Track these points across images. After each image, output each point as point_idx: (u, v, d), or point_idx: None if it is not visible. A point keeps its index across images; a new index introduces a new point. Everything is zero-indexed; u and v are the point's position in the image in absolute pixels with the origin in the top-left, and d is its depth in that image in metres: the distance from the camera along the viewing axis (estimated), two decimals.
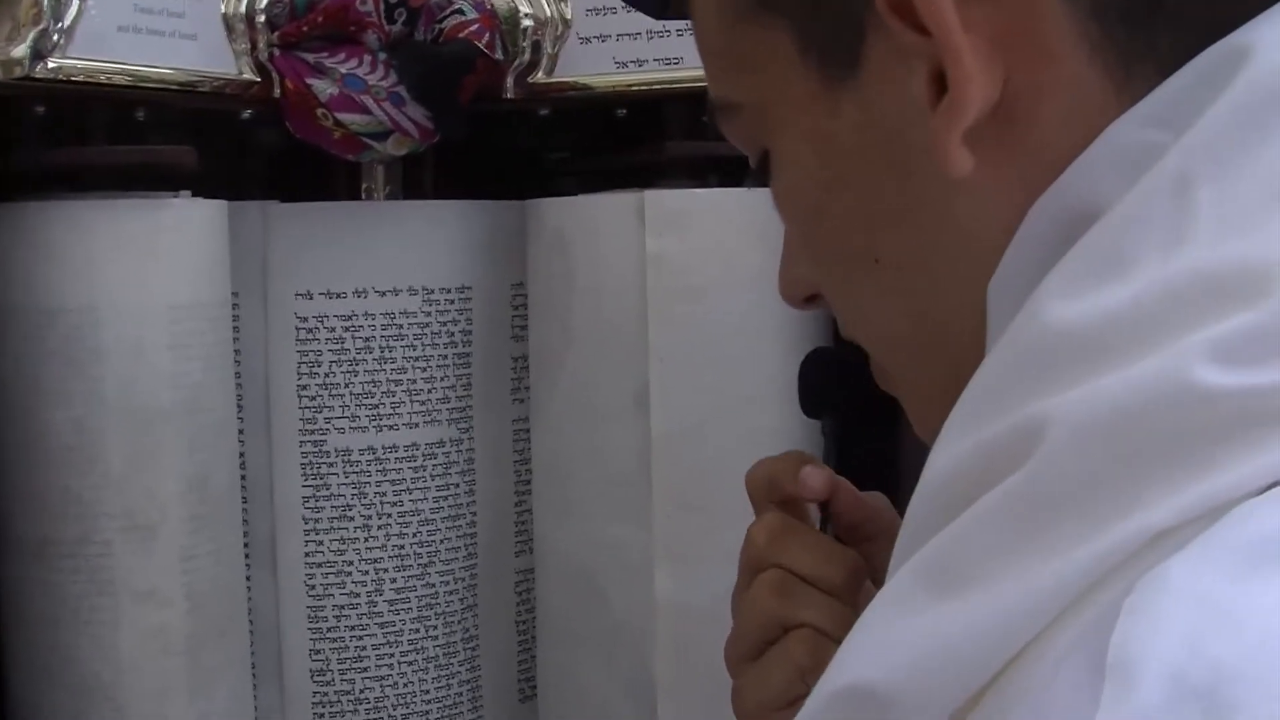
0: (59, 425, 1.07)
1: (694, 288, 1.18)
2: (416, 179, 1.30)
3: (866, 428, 0.78)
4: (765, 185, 0.63)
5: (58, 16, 1.03)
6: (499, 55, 1.21)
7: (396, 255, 1.25)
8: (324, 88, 1.16)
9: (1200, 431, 0.42)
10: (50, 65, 1.03)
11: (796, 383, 0.82)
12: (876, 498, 0.81)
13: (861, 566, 0.76)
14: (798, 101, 0.57)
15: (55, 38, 1.03)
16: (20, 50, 1.02)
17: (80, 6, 1.04)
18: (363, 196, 1.28)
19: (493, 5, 1.22)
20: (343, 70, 1.17)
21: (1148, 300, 0.45)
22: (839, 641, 0.71)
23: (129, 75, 1.09)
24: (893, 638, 0.46)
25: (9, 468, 1.08)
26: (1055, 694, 0.39)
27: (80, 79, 1.05)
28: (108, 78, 1.07)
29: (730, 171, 1.21)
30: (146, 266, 1.09)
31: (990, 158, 0.51)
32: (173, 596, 1.10)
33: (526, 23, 1.23)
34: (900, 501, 0.95)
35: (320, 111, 1.16)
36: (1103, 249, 0.47)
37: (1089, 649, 0.39)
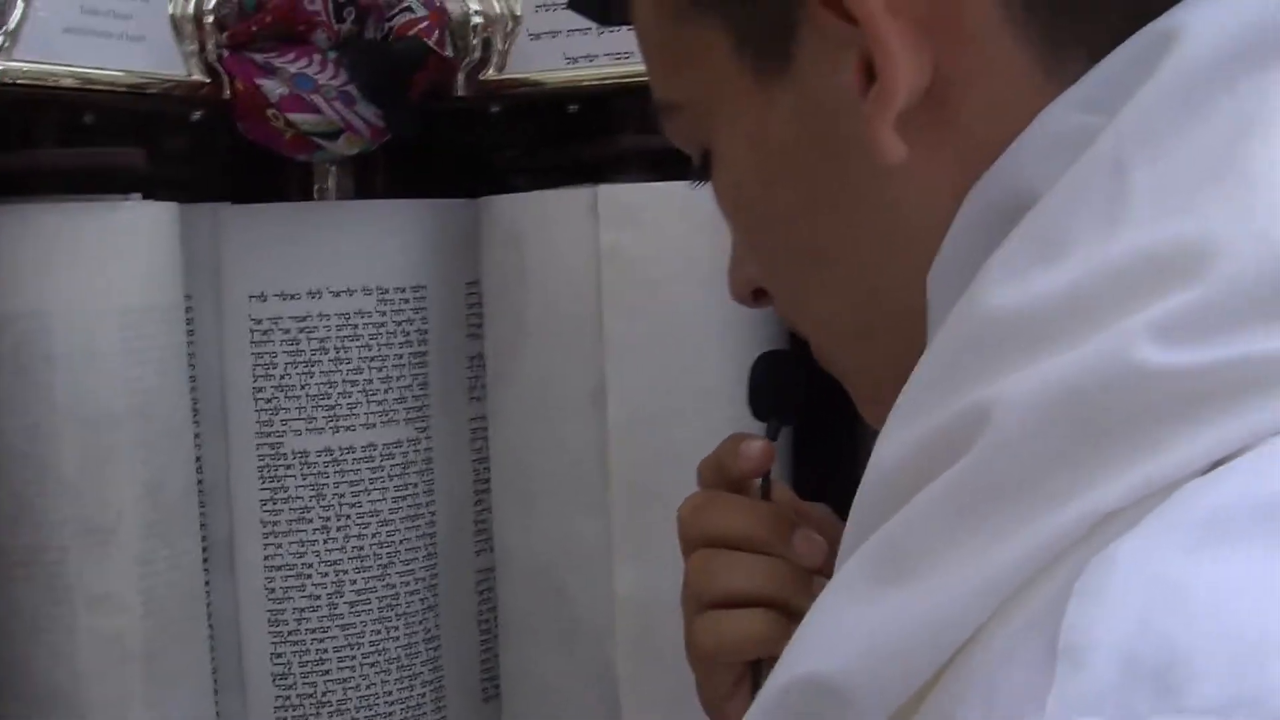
0: (10, 432, 1.06)
1: (649, 281, 1.18)
2: (369, 179, 1.29)
3: (820, 431, 0.78)
4: (708, 182, 0.64)
5: (1, 19, 1.02)
6: (449, 52, 1.21)
7: (350, 255, 1.25)
8: (274, 88, 1.15)
9: (1144, 411, 0.42)
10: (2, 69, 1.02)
11: (754, 375, 0.82)
12: (818, 507, 0.81)
13: (785, 517, 0.76)
14: (734, 98, 0.57)
15: (0, 40, 1.02)
16: None
17: (25, 9, 1.03)
18: (315, 197, 1.28)
19: (442, 2, 1.21)
20: (292, 70, 1.16)
21: (1087, 282, 0.45)
22: (769, 597, 0.72)
23: (76, 77, 1.08)
24: (844, 628, 0.46)
25: None
26: (1008, 677, 0.39)
27: (26, 82, 1.04)
28: (55, 80, 1.06)
29: (683, 165, 1.21)
30: (97, 270, 1.08)
31: (923, 144, 0.51)
32: (129, 602, 1.10)
33: (476, 19, 1.23)
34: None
35: (271, 112, 1.15)
36: (1040, 233, 0.48)
37: (1041, 632, 0.39)
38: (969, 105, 0.52)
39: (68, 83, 1.07)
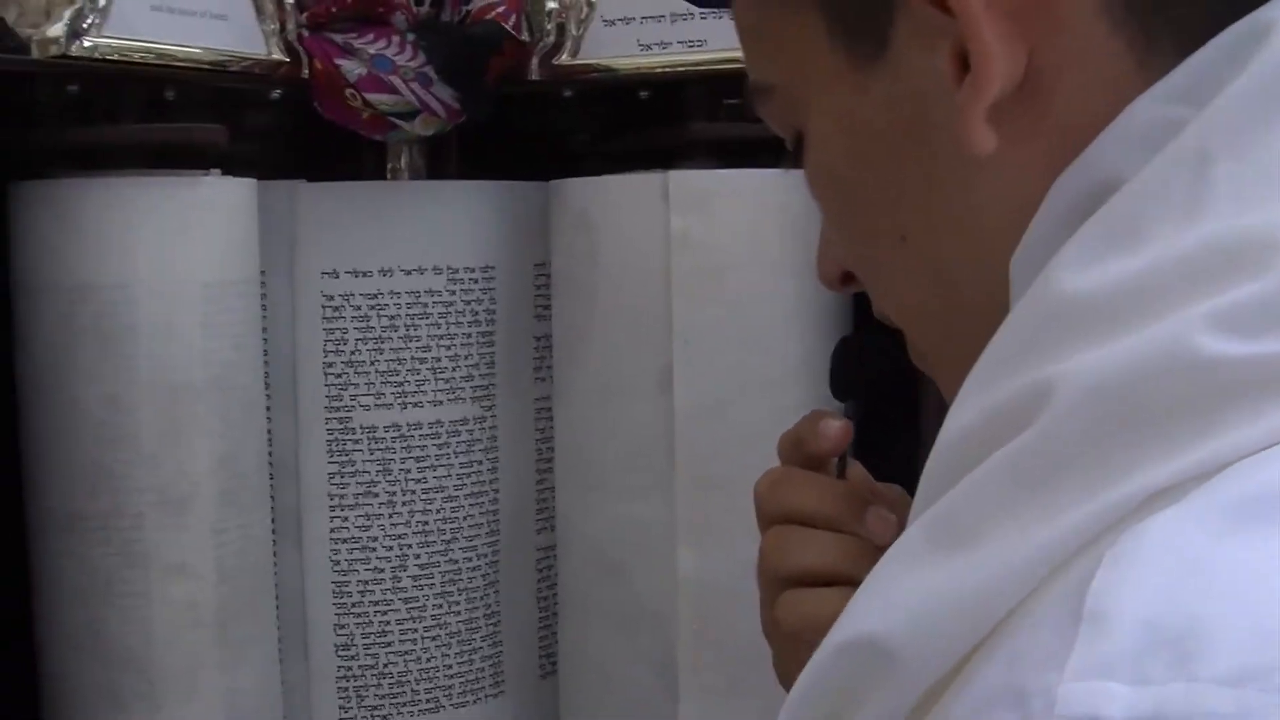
0: (91, 401, 1.08)
1: (718, 267, 1.19)
2: (442, 159, 1.31)
3: (891, 413, 0.79)
4: (800, 167, 0.64)
5: None
6: (525, 37, 1.22)
7: (422, 235, 1.27)
8: (353, 68, 1.17)
9: (1200, 397, 0.43)
10: (85, 44, 1.04)
11: (828, 365, 0.83)
12: (892, 489, 0.82)
13: (859, 495, 0.77)
14: (828, 81, 0.58)
15: (91, 17, 1.04)
16: (57, 29, 1.04)
17: None
18: (389, 176, 1.29)
19: None
20: (371, 51, 1.18)
21: (1157, 270, 0.46)
22: (844, 575, 0.72)
23: (161, 55, 1.10)
24: (897, 592, 0.47)
25: (41, 442, 1.10)
26: (1035, 638, 0.41)
27: (114, 58, 1.07)
28: (141, 57, 1.09)
29: (752, 153, 1.22)
30: (179, 244, 1.10)
31: (1013, 135, 0.52)
32: (203, 570, 1.12)
33: (551, 4, 1.25)
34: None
35: (349, 92, 1.17)
36: (1118, 221, 0.49)
37: (1071, 597, 0.40)
38: (1060, 96, 0.52)
39: (152, 59, 1.10)
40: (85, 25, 1.04)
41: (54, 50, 1.03)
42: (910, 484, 0.78)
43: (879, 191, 0.58)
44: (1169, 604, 0.38)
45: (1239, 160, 0.47)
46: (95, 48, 1.05)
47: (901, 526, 0.70)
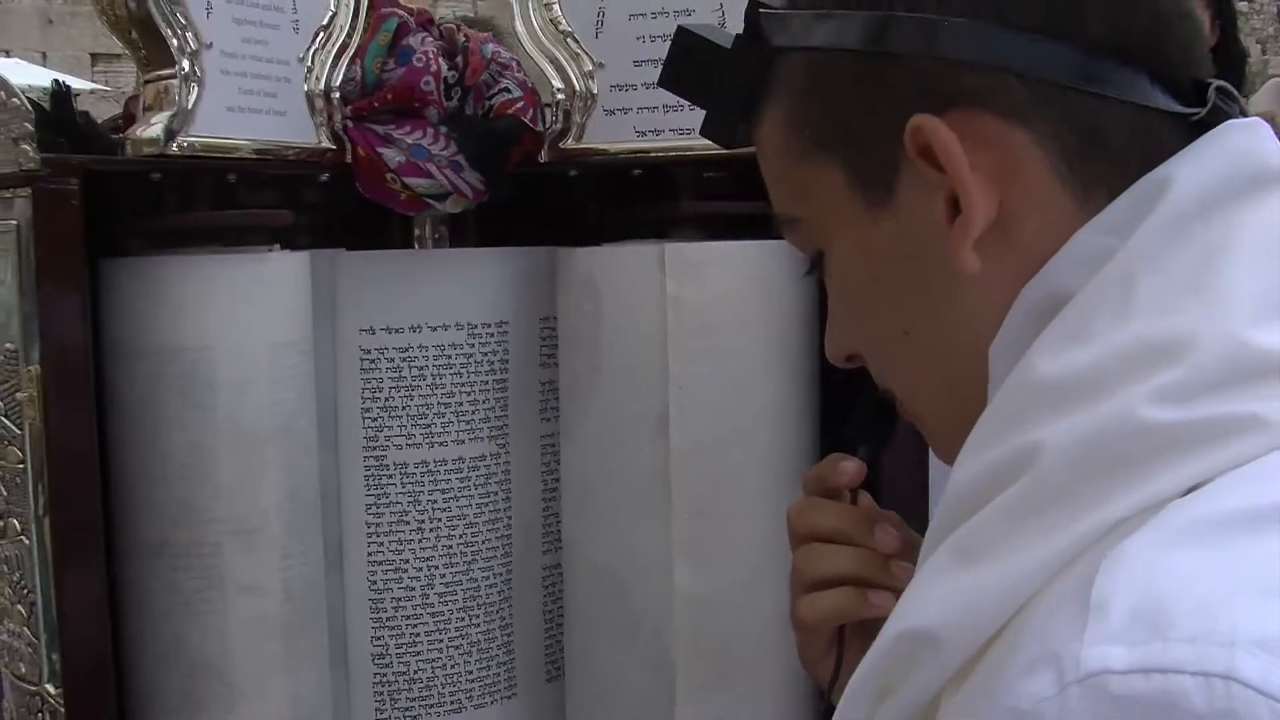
0: (177, 446, 1.26)
1: (708, 325, 1.38)
2: (461, 228, 1.50)
3: (899, 453, 0.99)
4: (820, 277, 0.84)
5: (184, 100, 1.22)
6: (541, 128, 1.41)
7: (445, 295, 1.45)
8: (393, 156, 1.36)
9: (1146, 452, 0.64)
10: (179, 143, 1.22)
11: (848, 416, 1.02)
12: (891, 514, 1.01)
13: (868, 516, 0.97)
14: (846, 219, 0.79)
15: (181, 119, 1.22)
16: (154, 130, 1.21)
17: (200, 91, 1.23)
18: (416, 245, 1.48)
19: (533, 84, 1.42)
20: (409, 141, 1.36)
21: (1104, 360, 0.67)
22: (855, 577, 0.91)
23: (236, 148, 1.28)
24: (936, 595, 0.67)
25: (134, 481, 1.27)
26: (1056, 622, 0.60)
27: (199, 153, 1.24)
28: (221, 150, 1.26)
29: (734, 226, 1.42)
30: (249, 310, 1.28)
31: (990, 258, 0.73)
32: (272, 590, 1.30)
33: (560, 96, 1.43)
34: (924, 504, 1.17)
35: (390, 176, 1.36)
36: (1072, 323, 0.70)
37: (1078, 595, 0.60)
38: (1024, 230, 0.73)
39: (231, 151, 1.27)
40: (179, 126, 1.22)
41: (151, 150, 1.21)
42: (906, 508, 0.99)
43: (888, 300, 0.79)
44: (1143, 596, 0.58)
45: (1154, 278, 0.68)
46: (185, 147, 1.23)
47: (902, 542, 0.91)
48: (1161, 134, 0.73)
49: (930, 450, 0.86)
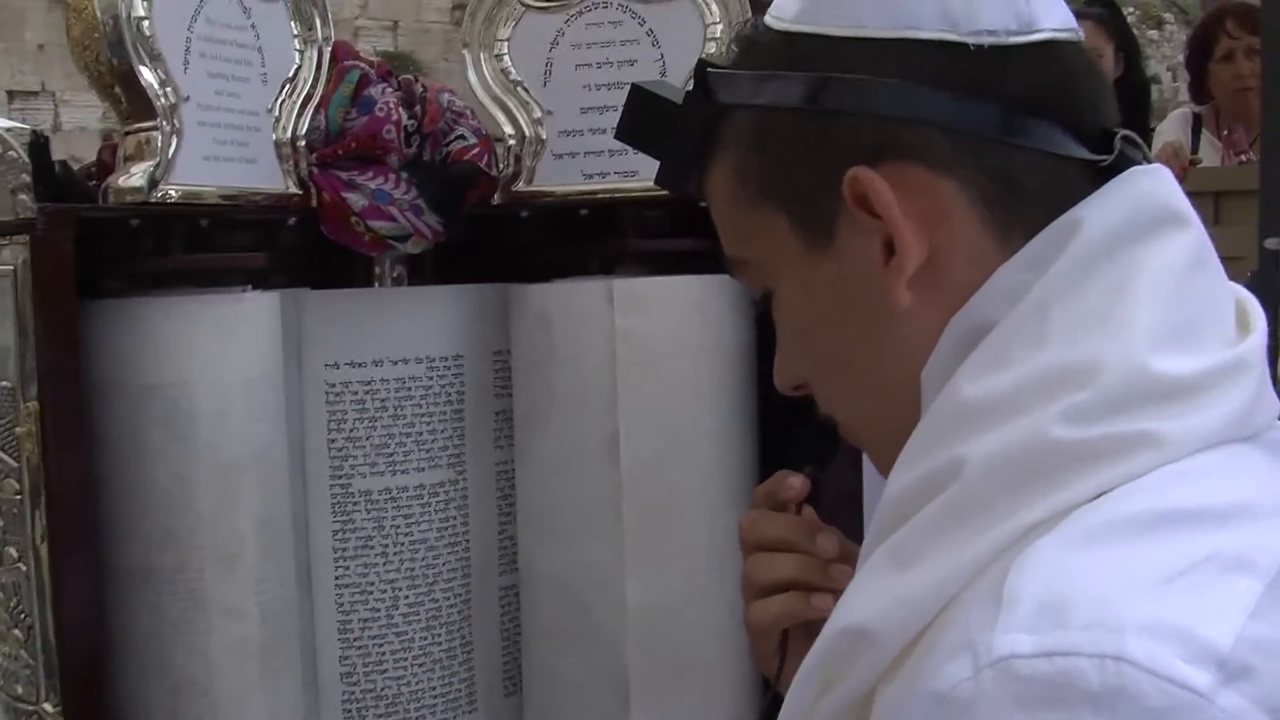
0: (159, 476, 1.34)
1: (654, 355, 1.48)
2: (419, 266, 1.58)
3: (838, 471, 1.08)
4: (767, 312, 0.93)
5: (165, 151, 1.30)
6: (495, 173, 1.50)
7: (405, 331, 1.54)
8: (357, 200, 1.45)
9: (1056, 465, 0.73)
10: (159, 191, 1.30)
11: (794, 439, 1.12)
12: (832, 529, 1.11)
13: (811, 524, 1.06)
14: (790, 260, 0.87)
15: (162, 169, 1.30)
16: (137, 180, 1.29)
17: (179, 142, 1.31)
18: (376, 283, 1.56)
19: (487, 131, 1.51)
20: (372, 186, 1.45)
21: (1020, 383, 0.77)
22: (800, 581, 1.00)
23: (213, 194, 1.36)
24: (872, 595, 0.77)
25: (119, 511, 1.34)
26: (972, 616, 0.69)
27: (176, 200, 1.32)
28: (195, 197, 1.34)
29: (675, 262, 1.52)
30: (226, 348, 1.36)
31: (921, 294, 0.83)
32: (250, 612, 1.38)
33: (511, 142, 1.53)
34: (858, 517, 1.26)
35: (354, 219, 1.45)
36: (993, 351, 0.79)
37: (992, 592, 0.69)
38: (951, 269, 0.82)
39: (206, 198, 1.36)
40: (159, 175, 1.30)
41: (135, 198, 1.29)
42: (844, 520, 1.08)
43: (830, 334, 0.89)
44: (1048, 590, 0.67)
45: (1065, 309, 0.78)
46: (166, 194, 1.31)
47: (840, 547, 1.01)
48: (1073, 179, 0.82)
49: (864, 467, 0.96)
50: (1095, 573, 0.68)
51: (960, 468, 0.75)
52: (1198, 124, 4.10)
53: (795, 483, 1.06)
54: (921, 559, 0.75)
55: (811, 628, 1.00)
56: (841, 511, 1.11)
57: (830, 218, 0.84)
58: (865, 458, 1.01)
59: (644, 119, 0.95)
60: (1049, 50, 0.83)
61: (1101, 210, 0.80)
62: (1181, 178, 3.54)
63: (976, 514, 0.74)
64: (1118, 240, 0.79)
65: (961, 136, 0.81)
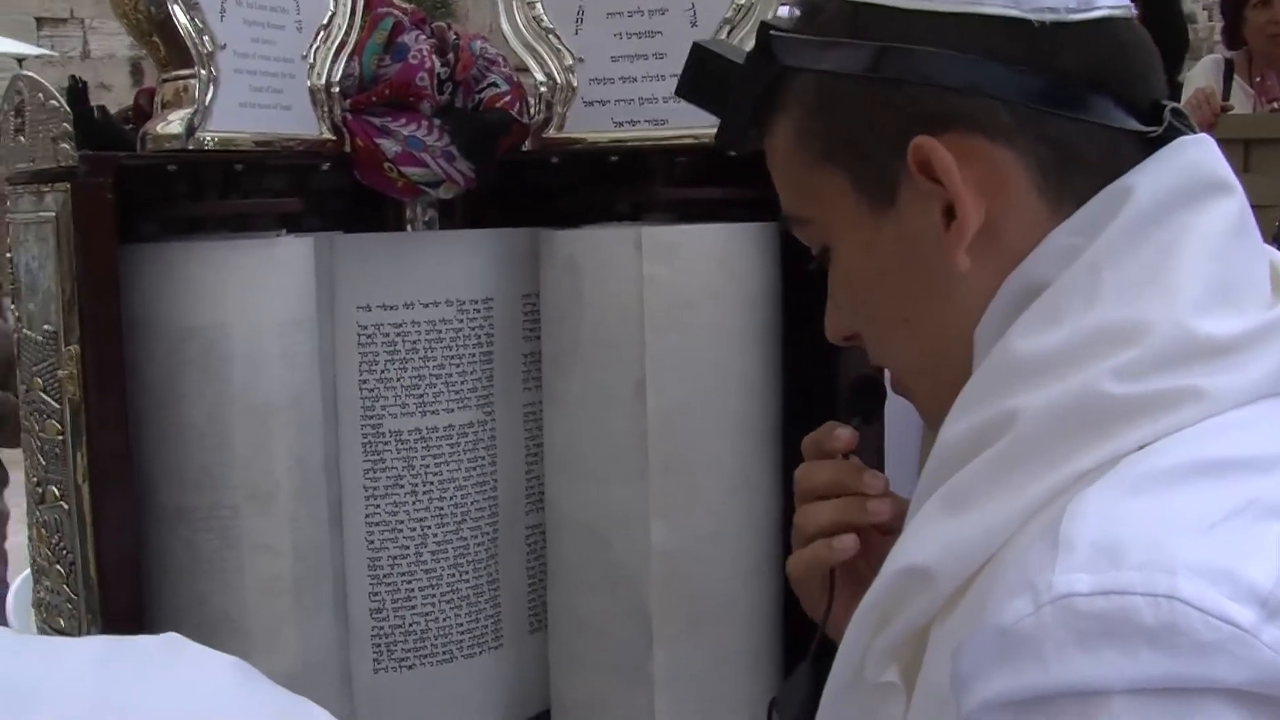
0: (196, 417, 1.37)
1: (681, 302, 1.50)
2: (450, 211, 1.61)
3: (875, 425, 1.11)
4: (824, 269, 0.96)
5: (202, 98, 1.32)
6: (527, 120, 1.52)
7: (436, 274, 1.56)
8: (390, 146, 1.46)
9: (1105, 418, 0.77)
10: (197, 137, 1.32)
11: (846, 392, 1.14)
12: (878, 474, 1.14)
13: (858, 466, 1.08)
14: (852, 221, 0.91)
15: (200, 116, 1.32)
16: (175, 127, 1.31)
17: (215, 90, 1.34)
18: (407, 227, 1.59)
19: (519, 78, 1.53)
20: (405, 133, 1.47)
21: (1072, 340, 0.80)
22: (842, 524, 1.02)
23: (248, 140, 1.38)
24: (928, 537, 0.80)
25: (156, 450, 1.37)
26: (1030, 558, 0.72)
27: (214, 146, 1.34)
28: (232, 143, 1.37)
29: (703, 210, 1.54)
30: (261, 292, 1.39)
31: (978, 257, 0.86)
32: (283, 549, 1.41)
33: (543, 89, 1.54)
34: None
35: (387, 165, 1.47)
36: (1046, 309, 0.83)
37: (1049, 535, 0.72)
38: (1007, 233, 0.86)
39: (243, 144, 1.38)
40: (198, 123, 1.32)
41: (173, 145, 1.31)
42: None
43: (889, 292, 0.92)
44: (1102, 533, 0.71)
45: (1116, 272, 0.82)
46: (205, 139, 1.33)
47: (886, 485, 1.04)
48: (1124, 149, 0.85)
49: (887, 424, 0.98)
50: (1145, 517, 0.71)
51: (1014, 418, 0.79)
52: (1230, 70, 4.07)
53: (844, 434, 1.08)
54: (976, 504, 0.79)
55: (855, 576, 1.06)
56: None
57: (893, 181, 0.88)
58: (889, 410, 1.04)
59: (704, 77, 0.98)
60: (1105, 27, 0.86)
61: (1152, 178, 0.84)
62: (1211, 125, 3.57)
63: (1029, 462, 0.77)
64: (1166, 207, 0.83)
65: (1020, 108, 0.84)
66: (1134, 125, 0.86)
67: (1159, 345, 0.78)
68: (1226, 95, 3.99)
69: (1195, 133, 0.87)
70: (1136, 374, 0.77)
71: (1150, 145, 0.85)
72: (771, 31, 0.91)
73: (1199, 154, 0.85)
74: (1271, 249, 0.88)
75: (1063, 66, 0.85)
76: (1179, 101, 4.00)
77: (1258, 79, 3.98)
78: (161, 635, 0.88)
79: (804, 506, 1.09)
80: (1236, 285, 0.82)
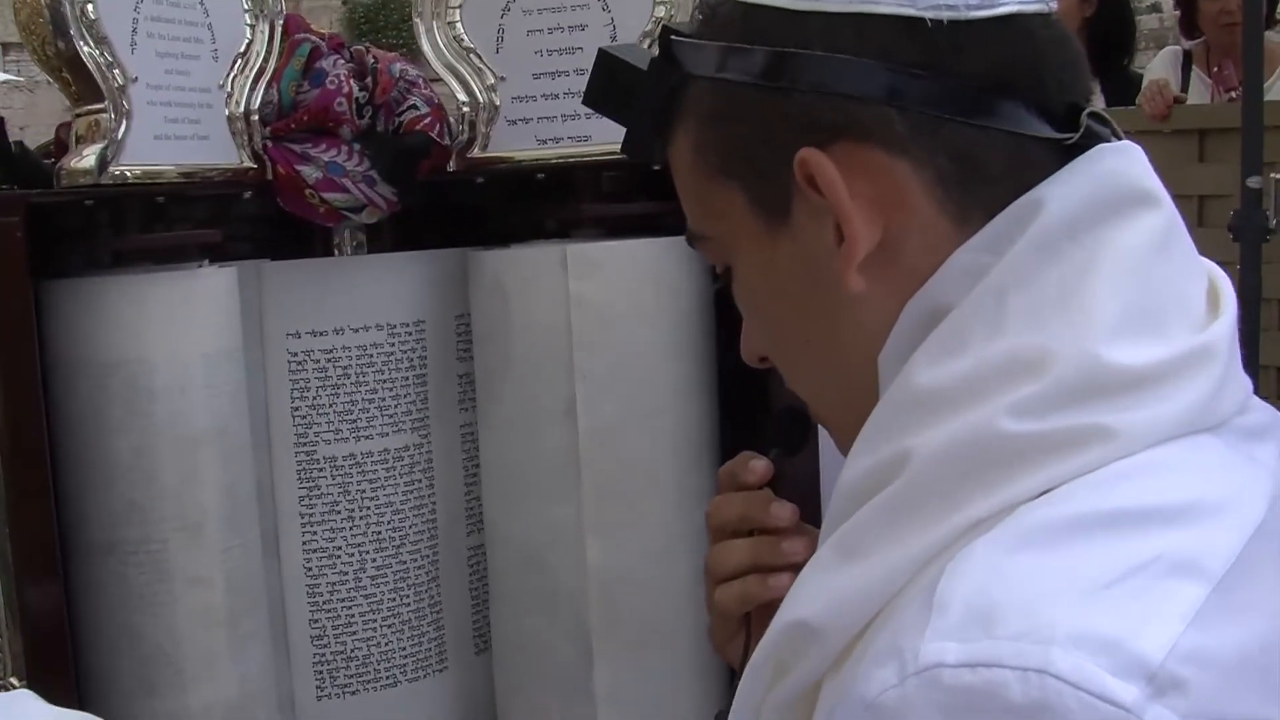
0: (122, 450, 1.36)
1: (610, 319, 1.50)
2: (378, 235, 1.60)
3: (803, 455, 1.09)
4: (729, 287, 0.90)
5: (114, 132, 1.32)
6: (448, 141, 1.52)
7: (365, 299, 1.56)
8: (310, 173, 1.46)
9: (1002, 460, 0.72)
10: (111, 171, 1.32)
11: (770, 423, 1.11)
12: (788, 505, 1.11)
13: (764, 496, 1.04)
14: (749, 237, 0.85)
15: (112, 150, 1.32)
16: (88, 162, 1.31)
17: (128, 124, 1.33)
18: (335, 252, 1.58)
19: (440, 99, 1.53)
20: (325, 159, 1.47)
21: (973, 372, 0.75)
22: (754, 566, 1.00)
23: (163, 173, 1.38)
24: (818, 589, 0.76)
25: (83, 486, 1.37)
26: (905, 619, 0.69)
27: (129, 180, 1.34)
28: (152, 176, 1.36)
29: (631, 225, 1.54)
30: (184, 324, 1.38)
31: (876, 277, 0.80)
32: (215, 581, 1.41)
33: (465, 109, 1.54)
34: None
35: (308, 191, 1.46)
36: (949, 336, 0.77)
37: (926, 592, 0.69)
38: (906, 251, 0.80)
39: (159, 176, 1.37)
40: (110, 156, 1.31)
41: (86, 180, 1.31)
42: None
43: (789, 313, 0.87)
44: (979, 595, 0.66)
45: (1024, 294, 0.76)
46: (119, 174, 1.32)
47: (795, 515, 1.01)
48: (1036, 158, 0.78)
49: (820, 450, 0.95)
50: (1030, 577, 0.66)
51: (907, 459, 0.73)
52: (1188, 61, 4.08)
53: (758, 466, 1.04)
54: (867, 552, 0.73)
55: (771, 610, 1.02)
56: (811, 497, 1.12)
57: (786, 196, 0.81)
58: (823, 439, 1.01)
59: (610, 85, 0.92)
60: (1012, 24, 0.79)
61: (1065, 189, 0.77)
62: (1165, 116, 3.57)
63: (921, 508, 0.72)
64: (1080, 221, 0.77)
65: (918, 115, 0.77)
66: (1047, 131, 0.78)
67: (1065, 377, 0.72)
68: (1185, 86, 4.00)
69: (1119, 138, 0.81)
70: (1038, 410, 0.71)
71: (1068, 153, 0.79)
72: (672, 36, 0.85)
73: (1119, 163, 0.79)
74: (1209, 264, 0.82)
75: (964, 69, 0.77)
76: (1138, 90, 3.97)
77: (1214, 69, 3.99)
78: (12, 693, 0.85)
79: (716, 545, 1.06)
80: (1159, 308, 0.76)
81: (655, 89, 0.87)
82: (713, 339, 1.54)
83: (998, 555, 0.68)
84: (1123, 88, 4.05)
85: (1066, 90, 0.80)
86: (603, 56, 0.93)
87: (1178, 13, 4.39)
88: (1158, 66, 4.16)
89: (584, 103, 0.96)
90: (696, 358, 1.54)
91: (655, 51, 0.88)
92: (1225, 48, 3.96)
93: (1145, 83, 3.86)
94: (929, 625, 0.65)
